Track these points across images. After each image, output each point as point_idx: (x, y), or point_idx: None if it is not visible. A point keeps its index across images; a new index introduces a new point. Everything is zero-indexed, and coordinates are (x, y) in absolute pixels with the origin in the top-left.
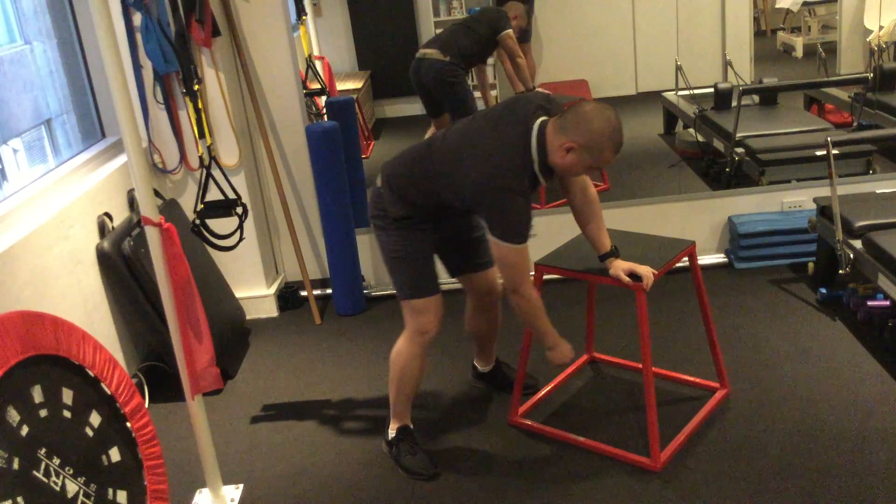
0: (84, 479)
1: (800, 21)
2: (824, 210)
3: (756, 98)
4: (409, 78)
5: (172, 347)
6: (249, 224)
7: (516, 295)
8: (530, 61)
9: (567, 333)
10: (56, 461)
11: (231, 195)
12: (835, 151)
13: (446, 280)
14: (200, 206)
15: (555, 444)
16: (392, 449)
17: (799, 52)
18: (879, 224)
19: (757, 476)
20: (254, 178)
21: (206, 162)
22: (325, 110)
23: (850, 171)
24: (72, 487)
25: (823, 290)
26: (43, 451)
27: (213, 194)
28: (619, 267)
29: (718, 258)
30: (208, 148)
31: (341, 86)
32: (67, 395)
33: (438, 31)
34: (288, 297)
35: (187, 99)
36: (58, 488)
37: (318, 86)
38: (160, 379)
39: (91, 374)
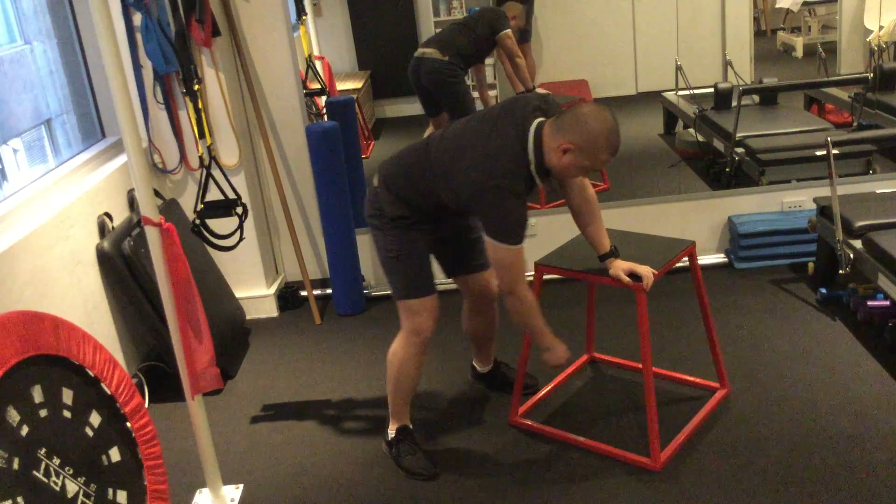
0: (84, 479)
1: (800, 21)
2: (824, 210)
3: (756, 98)
4: (408, 78)
5: (172, 347)
6: (249, 224)
7: (511, 296)
8: (530, 61)
9: (567, 333)
10: (56, 461)
11: (231, 195)
12: (835, 151)
13: (443, 280)
14: (200, 206)
15: (555, 444)
16: (392, 449)
17: (799, 52)
18: (879, 224)
19: (757, 476)
20: (254, 178)
21: (206, 162)
22: (325, 110)
23: (850, 171)
24: (72, 487)
25: (823, 290)
26: (43, 451)
27: (213, 194)
28: (619, 267)
29: (718, 258)
30: (208, 148)
31: (341, 86)
32: (67, 395)
33: (438, 31)
34: (288, 297)
35: (187, 99)
36: (58, 488)
37: (318, 86)
38: (160, 379)
39: (91, 374)
